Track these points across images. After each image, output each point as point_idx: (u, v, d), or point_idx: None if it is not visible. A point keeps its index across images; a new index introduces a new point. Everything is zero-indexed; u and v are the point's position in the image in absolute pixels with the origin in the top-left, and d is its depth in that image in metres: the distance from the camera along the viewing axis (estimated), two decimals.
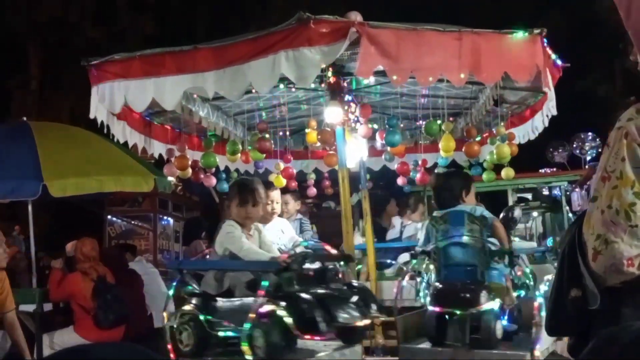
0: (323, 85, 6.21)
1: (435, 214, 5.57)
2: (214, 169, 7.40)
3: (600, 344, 1.13)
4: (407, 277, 6.28)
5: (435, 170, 7.75)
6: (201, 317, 4.60)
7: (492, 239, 5.26)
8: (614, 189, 1.78)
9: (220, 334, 4.58)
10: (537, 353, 4.76)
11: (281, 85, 6.16)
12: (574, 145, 12.03)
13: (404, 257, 7.16)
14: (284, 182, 7.61)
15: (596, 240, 1.81)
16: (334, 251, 5.24)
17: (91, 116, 5.82)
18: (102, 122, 5.95)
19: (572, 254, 1.90)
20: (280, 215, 6.64)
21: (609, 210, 1.78)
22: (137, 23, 17.56)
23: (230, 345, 4.61)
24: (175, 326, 4.67)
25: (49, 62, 17.35)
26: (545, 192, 11.44)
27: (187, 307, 4.69)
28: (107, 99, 5.52)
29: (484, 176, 7.83)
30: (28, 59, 17.52)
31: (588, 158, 12.55)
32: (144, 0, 18.03)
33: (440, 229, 5.34)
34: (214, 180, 7.44)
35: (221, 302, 4.64)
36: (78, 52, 7.99)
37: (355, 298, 4.55)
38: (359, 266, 6.82)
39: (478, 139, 7.72)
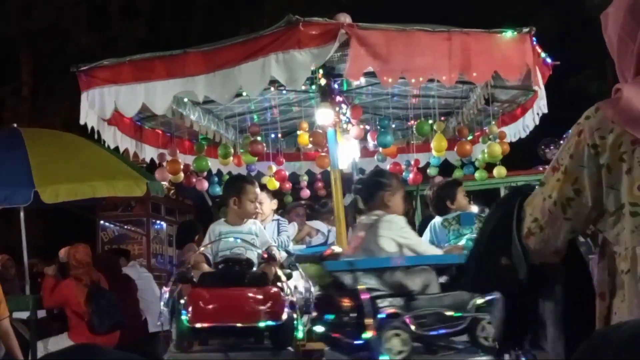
0: (314, 87, 6.21)
1: (446, 216, 5.97)
2: (205, 173, 7.39)
3: (593, 346, 1.12)
4: None
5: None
6: (407, 319, 4.25)
7: None
8: (557, 182, 1.85)
9: (432, 332, 4.34)
10: None
11: (272, 88, 6.16)
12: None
13: None
14: (277, 184, 7.61)
15: (533, 222, 1.90)
16: None
17: (81, 122, 5.81)
18: (92, 128, 5.94)
19: (509, 224, 1.96)
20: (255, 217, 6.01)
21: (549, 200, 1.86)
22: (130, 29, 17.47)
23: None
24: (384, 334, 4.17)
25: (41, 70, 17.28)
26: None
27: (390, 311, 4.27)
28: (97, 104, 5.51)
29: (477, 175, 7.83)
30: (20, 66, 17.45)
31: None
32: (136, 6, 17.96)
33: (452, 229, 5.78)
34: (206, 184, 7.42)
35: (424, 300, 4.40)
36: (70, 59, 7.94)
37: None
38: None
39: (470, 137, 7.75)
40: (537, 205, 1.90)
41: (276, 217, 6.89)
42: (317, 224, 7.83)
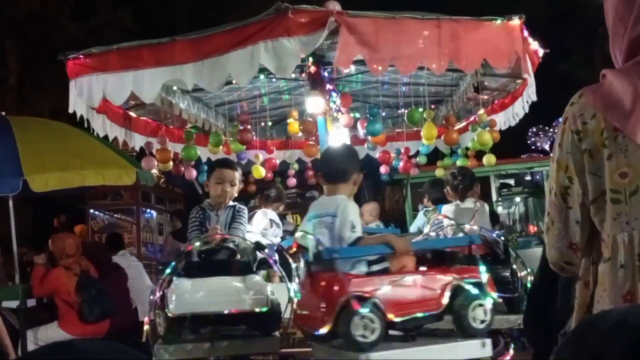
0: (303, 75, 6.19)
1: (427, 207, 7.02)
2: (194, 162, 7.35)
3: (579, 332, 1.13)
4: None
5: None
6: None
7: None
8: (554, 173, 1.86)
9: None
10: None
11: (261, 76, 6.14)
12: (555, 130, 12.10)
13: None
14: (263, 172, 7.60)
15: (547, 216, 1.91)
16: None
17: (70, 110, 5.77)
18: (81, 116, 5.90)
19: None
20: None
21: (552, 192, 1.87)
22: (116, 17, 17.38)
23: None
24: None
25: (27, 58, 17.14)
26: (528, 177, 11.53)
27: None
28: (85, 92, 5.47)
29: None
30: (6, 55, 17.30)
31: None
32: None
33: (431, 218, 6.38)
34: (195, 173, 7.38)
35: None
36: (57, 47, 7.84)
37: None
38: None
39: (463, 124, 7.75)
40: (547, 200, 1.91)
41: (232, 203, 5.12)
42: (271, 214, 7.20)
